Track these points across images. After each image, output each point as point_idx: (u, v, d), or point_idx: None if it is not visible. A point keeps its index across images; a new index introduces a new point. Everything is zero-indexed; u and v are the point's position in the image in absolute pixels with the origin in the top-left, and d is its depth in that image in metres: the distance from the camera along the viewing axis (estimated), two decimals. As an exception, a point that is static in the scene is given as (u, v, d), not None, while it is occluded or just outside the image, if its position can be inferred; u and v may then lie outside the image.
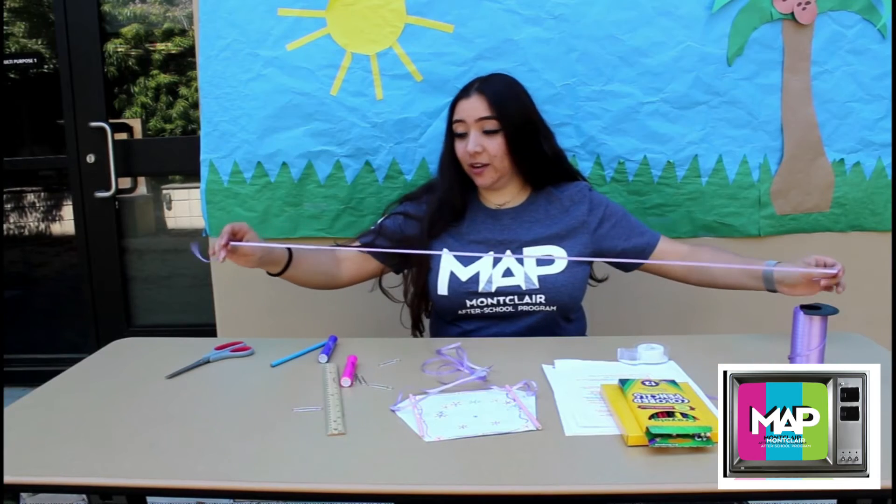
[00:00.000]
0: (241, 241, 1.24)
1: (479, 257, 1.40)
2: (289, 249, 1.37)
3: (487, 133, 1.38)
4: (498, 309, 1.39)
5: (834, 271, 1.20)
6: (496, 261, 1.40)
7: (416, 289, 1.44)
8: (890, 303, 1.55)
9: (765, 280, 1.32)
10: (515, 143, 1.39)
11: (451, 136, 1.44)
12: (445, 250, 1.42)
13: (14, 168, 2.81)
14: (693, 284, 1.46)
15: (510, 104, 1.39)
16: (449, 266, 1.41)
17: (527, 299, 1.38)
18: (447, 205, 1.45)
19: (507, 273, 1.39)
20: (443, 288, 1.40)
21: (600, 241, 1.43)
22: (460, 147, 1.41)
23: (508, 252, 1.41)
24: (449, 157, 1.45)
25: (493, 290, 1.38)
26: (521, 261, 1.40)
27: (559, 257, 1.40)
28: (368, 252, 1.46)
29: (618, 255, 1.44)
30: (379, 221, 1.50)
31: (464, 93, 1.42)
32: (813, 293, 1.24)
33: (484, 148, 1.37)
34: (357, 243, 1.48)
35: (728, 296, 1.77)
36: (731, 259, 1.40)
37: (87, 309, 2.65)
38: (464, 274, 1.40)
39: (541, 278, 1.38)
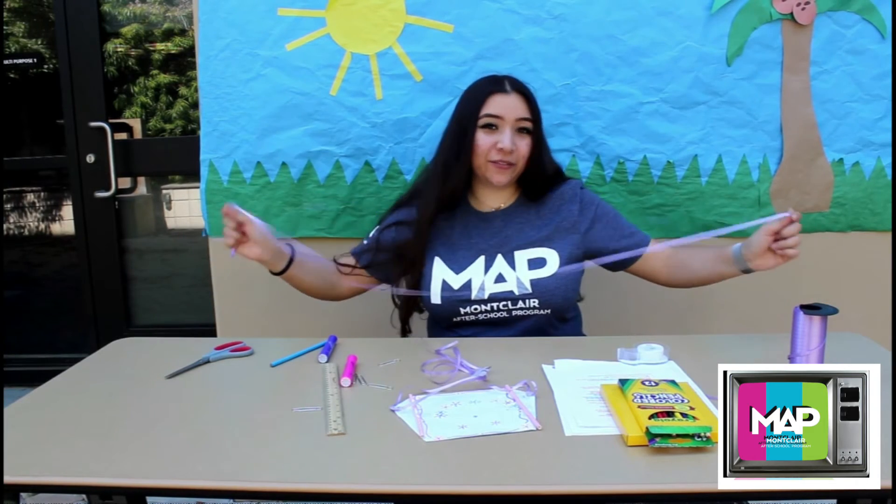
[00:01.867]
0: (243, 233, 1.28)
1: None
2: (292, 249, 1.38)
3: (521, 133, 1.38)
4: (492, 315, 1.39)
5: (787, 214, 1.20)
6: (487, 267, 1.40)
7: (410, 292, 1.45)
8: (890, 303, 1.55)
9: (736, 261, 1.31)
10: (536, 150, 1.39)
11: (470, 126, 1.38)
12: (437, 262, 1.42)
13: (14, 168, 2.81)
14: (676, 286, 1.46)
15: (537, 112, 1.40)
16: (441, 274, 1.41)
17: (520, 304, 1.38)
18: (447, 195, 1.41)
19: (500, 279, 1.39)
20: (435, 296, 1.39)
21: (590, 243, 1.42)
22: (488, 140, 1.37)
23: (500, 256, 1.41)
24: (459, 147, 1.39)
25: (485, 296, 1.38)
26: (512, 265, 1.39)
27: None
28: (367, 270, 1.47)
29: (607, 256, 1.43)
30: (373, 235, 1.49)
31: (496, 86, 1.38)
32: (778, 262, 1.24)
33: (517, 146, 1.37)
34: (352, 260, 1.48)
35: (728, 296, 1.78)
36: (705, 252, 1.39)
37: (87, 309, 2.65)
38: (456, 282, 1.40)
39: (533, 282, 1.37)
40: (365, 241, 1.50)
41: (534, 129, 1.38)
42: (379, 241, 1.46)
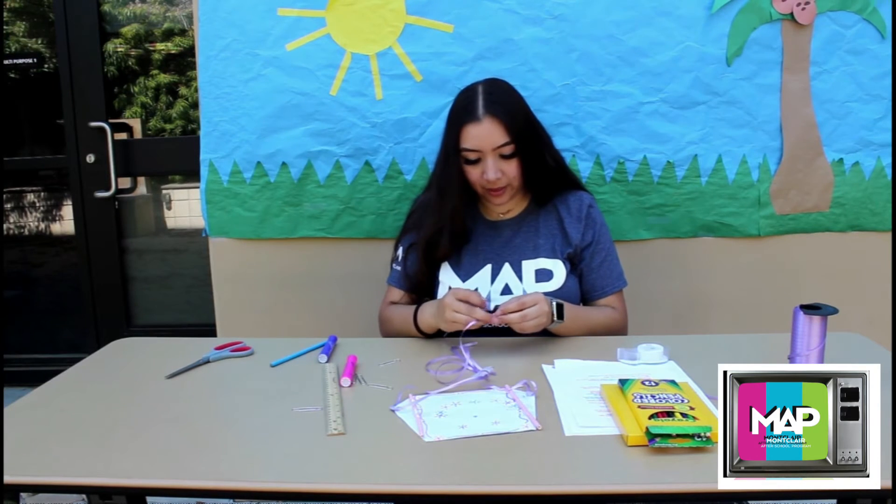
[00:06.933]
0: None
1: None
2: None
3: (504, 157, 1.35)
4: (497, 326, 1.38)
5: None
6: (494, 277, 1.40)
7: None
8: (890, 303, 1.55)
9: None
10: (528, 161, 1.37)
11: (455, 158, 1.37)
12: (445, 267, 1.43)
13: (14, 168, 2.81)
14: None
15: (520, 122, 1.36)
16: (448, 280, 1.41)
17: None
18: (453, 231, 1.40)
19: (506, 290, 1.39)
20: None
21: (578, 261, 1.43)
22: (475, 173, 1.36)
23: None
24: (451, 178, 1.39)
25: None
26: (519, 276, 1.39)
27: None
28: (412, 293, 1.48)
29: (581, 277, 1.44)
30: (399, 261, 1.48)
31: (469, 116, 1.35)
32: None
33: (503, 172, 1.35)
34: (398, 293, 1.49)
35: (728, 296, 1.78)
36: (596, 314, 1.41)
37: (87, 309, 2.65)
38: None
39: None
40: (396, 267, 1.49)
41: (518, 146, 1.35)
42: (406, 267, 1.46)
